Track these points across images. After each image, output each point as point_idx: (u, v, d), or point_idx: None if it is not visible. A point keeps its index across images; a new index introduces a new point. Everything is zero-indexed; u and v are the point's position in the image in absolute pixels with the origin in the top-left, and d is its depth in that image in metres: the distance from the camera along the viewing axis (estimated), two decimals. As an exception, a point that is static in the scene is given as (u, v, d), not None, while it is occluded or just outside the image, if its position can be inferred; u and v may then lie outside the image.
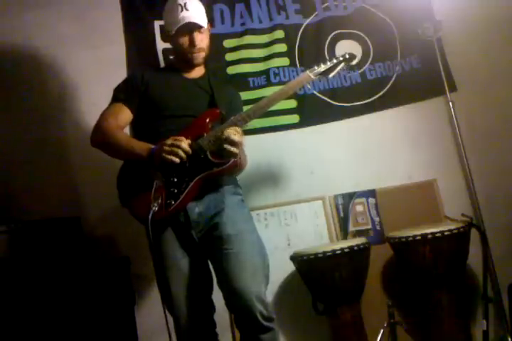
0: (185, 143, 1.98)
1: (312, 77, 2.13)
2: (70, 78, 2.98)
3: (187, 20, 2.12)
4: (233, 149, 1.97)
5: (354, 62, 2.24)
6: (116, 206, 2.83)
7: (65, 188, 2.89)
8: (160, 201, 1.97)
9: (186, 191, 2.01)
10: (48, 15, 2.99)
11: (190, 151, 1.98)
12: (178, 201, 2.00)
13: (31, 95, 2.97)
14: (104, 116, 2.15)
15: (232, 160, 2.03)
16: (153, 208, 1.93)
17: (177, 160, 1.96)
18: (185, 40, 2.15)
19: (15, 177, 2.87)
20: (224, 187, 2.14)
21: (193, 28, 2.14)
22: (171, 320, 2.08)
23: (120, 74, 2.89)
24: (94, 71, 2.96)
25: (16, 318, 2.16)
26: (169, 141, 1.98)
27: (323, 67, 2.14)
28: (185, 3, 2.14)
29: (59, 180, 2.89)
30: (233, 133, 1.98)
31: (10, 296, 2.18)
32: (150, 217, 1.90)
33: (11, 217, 2.60)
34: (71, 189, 2.90)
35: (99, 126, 2.13)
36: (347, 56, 2.18)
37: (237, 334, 2.78)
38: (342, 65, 2.17)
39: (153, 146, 2.02)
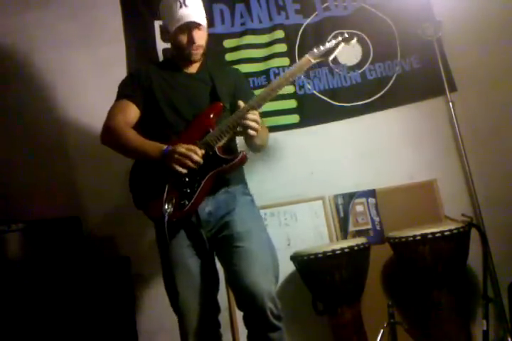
0: (196, 156, 1.96)
1: (312, 60, 2.07)
2: (69, 78, 2.98)
3: (187, 20, 2.09)
4: (252, 132, 1.98)
5: (354, 41, 2.15)
6: (116, 206, 2.85)
7: (65, 188, 2.89)
8: (174, 202, 1.96)
9: (199, 190, 2.01)
10: (47, 15, 2.99)
11: (202, 162, 1.98)
12: (192, 200, 2.00)
13: (30, 95, 2.97)
14: (111, 113, 2.13)
15: (241, 154, 2.03)
16: (168, 210, 1.92)
17: (184, 171, 1.96)
18: (183, 38, 2.12)
19: (15, 177, 2.87)
20: (234, 187, 2.14)
21: (192, 25, 2.11)
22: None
23: (120, 74, 2.88)
24: (94, 71, 2.96)
25: (16, 318, 2.16)
26: (181, 150, 1.96)
27: (322, 49, 2.08)
28: None
29: (59, 180, 2.89)
30: (252, 118, 1.99)
31: (10, 296, 2.18)
32: (166, 219, 1.89)
33: (11, 217, 2.60)
34: (71, 189, 2.90)
35: (108, 124, 2.11)
36: (346, 35, 2.12)
37: (237, 335, 2.79)
38: (342, 45, 2.11)
39: (165, 147, 2.00)
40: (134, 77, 2.22)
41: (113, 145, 2.12)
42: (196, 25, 2.12)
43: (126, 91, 2.17)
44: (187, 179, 2.01)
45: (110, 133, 2.10)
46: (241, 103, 2.05)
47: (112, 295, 2.48)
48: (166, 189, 1.97)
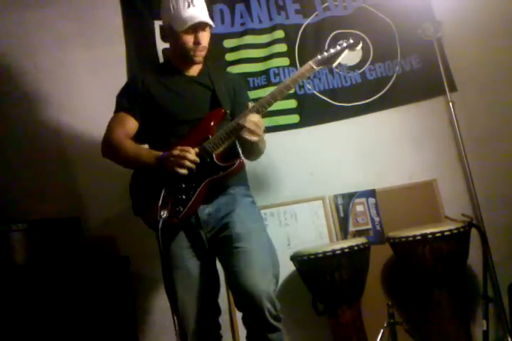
0: (191, 155, 1.96)
1: (314, 67, 2.04)
2: (69, 78, 2.97)
3: (196, 20, 2.06)
4: (252, 138, 1.96)
5: (359, 47, 2.08)
6: (115, 206, 2.85)
7: (65, 189, 2.89)
8: (169, 208, 1.96)
9: (194, 197, 2.01)
10: (48, 15, 2.98)
11: (198, 161, 1.97)
12: (187, 207, 2.00)
13: (30, 95, 2.96)
14: (110, 127, 2.15)
15: (238, 161, 2.02)
16: (163, 216, 1.92)
17: (184, 172, 1.96)
18: (189, 39, 2.10)
19: (15, 178, 2.86)
20: (235, 189, 2.13)
21: (199, 26, 2.09)
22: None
23: (120, 74, 2.90)
24: (93, 71, 2.95)
25: (16, 318, 2.16)
26: (175, 152, 1.96)
27: (326, 56, 2.05)
28: None
29: (59, 180, 2.89)
30: (251, 122, 1.96)
31: (10, 296, 2.18)
32: (160, 225, 1.89)
33: (11, 217, 2.60)
34: (71, 189, 2.90)
35: (107, 138, 2.14)
36: (351, 41, 2.07)
37: (237, 335, 2.79)
38: (346, 51, 2.06)
39: (161, 154, 2.01)
40: (130, 88, 2.21)
41: (113, 157, 2.16)
42: (203, 27, 2.11)
43: (123, 104, 2.18)
44: (183, 185, 2.01)
45: (109, 146, 2.13)
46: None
47: (112, 295, 2.48)
48: (162, 195, 1.97)
